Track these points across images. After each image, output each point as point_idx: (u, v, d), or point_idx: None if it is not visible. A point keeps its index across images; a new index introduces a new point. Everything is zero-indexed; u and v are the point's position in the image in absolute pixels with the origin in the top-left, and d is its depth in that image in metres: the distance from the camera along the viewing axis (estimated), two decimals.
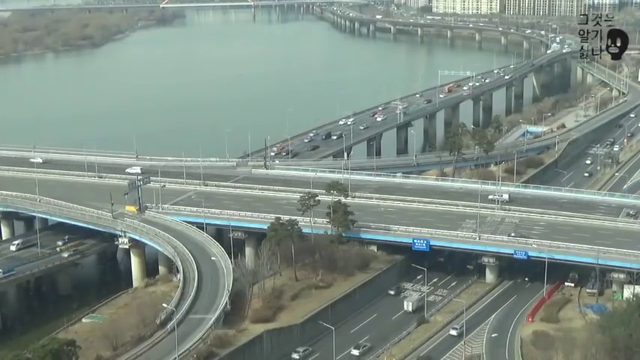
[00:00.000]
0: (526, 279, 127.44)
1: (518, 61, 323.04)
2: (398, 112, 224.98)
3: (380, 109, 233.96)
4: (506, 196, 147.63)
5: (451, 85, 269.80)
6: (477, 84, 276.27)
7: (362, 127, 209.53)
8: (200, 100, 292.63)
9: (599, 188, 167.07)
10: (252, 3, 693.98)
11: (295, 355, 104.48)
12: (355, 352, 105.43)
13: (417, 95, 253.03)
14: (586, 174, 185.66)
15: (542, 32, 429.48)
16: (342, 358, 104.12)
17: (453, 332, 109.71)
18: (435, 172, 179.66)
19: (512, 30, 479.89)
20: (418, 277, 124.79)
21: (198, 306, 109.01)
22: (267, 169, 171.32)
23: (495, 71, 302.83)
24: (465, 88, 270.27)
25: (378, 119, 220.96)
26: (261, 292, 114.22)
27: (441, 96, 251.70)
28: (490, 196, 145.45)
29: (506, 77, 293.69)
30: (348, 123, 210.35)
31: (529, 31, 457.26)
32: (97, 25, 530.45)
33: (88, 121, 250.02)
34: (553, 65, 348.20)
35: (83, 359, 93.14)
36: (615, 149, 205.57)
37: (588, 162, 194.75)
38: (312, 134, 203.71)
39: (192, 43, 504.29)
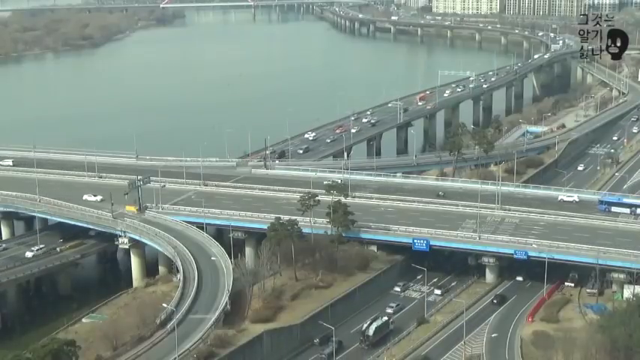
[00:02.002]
0: (519, 278, 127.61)
1: (499, 69, 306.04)
2: (365, 120, 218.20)
3: (353, 118, 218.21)
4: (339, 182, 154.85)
5: (424, 94, 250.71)
6: (460, 89, 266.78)
7: (329, 140, 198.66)
8: (200, 100, 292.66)
9: (599, 188, 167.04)
10: (252, 3, 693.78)
11: (397, 288, 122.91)
12: (438, 292, 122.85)
13: (390, 105, 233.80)
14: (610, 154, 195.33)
15: (552, 35, 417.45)
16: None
17: (519, 278, 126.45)
18: (435, 172, 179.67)
19: (526, 32, 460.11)
20: (418, 277, 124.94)
21: (198, 306, 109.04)
22: (267, 169, 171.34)
23: (471, 78, 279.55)
24: (445, 94, 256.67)
25: (353, 131, 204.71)
26: (261, 292, 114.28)
27: (420, 104, 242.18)
28: (325, 182, 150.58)
29: (485, 86, 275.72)
30: (310, 138, 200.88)
31: (541, 33, 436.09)
32: (97, 25, 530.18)
33: (88, 121, 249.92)
34: (553, 65, 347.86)
35: (83, 359, 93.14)
36: (635, 130, 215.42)
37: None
38: (269, 150, 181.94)
39: (192, 43, 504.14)
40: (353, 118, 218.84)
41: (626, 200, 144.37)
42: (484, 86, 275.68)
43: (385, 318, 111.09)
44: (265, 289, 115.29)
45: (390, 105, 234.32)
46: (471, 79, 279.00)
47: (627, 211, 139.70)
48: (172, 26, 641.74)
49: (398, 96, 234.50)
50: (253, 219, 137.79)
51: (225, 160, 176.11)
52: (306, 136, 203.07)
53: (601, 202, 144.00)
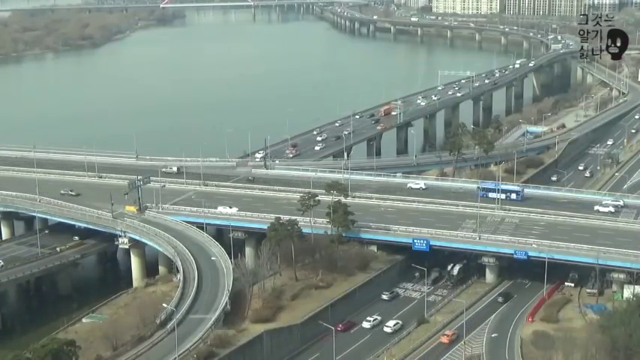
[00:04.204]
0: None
1: (471, 77, 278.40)
2: (320, 139, 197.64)
3: (315, 132, 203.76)
4: (174, 169, 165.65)
5: (388, 107, 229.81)
6: (435, 97, 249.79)
7: (290, 156, 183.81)
8: (200, 100, 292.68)
9: (599, 188, 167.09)
10: (252, 3, 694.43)
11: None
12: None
13: (357, 116, 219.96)
14: None
15: (559, 37, 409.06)
16: None
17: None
18: (435, 172, 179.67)
19: (539, 36, 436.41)
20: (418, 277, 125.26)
21: (198, 306, 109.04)
22: (267, 169, 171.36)
23: (440, 88, 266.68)
24: (419, 102, 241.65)
25: (317, 148, 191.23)
26: (261, 292, 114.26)
27: (373, 122, 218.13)
28: (164, 170, 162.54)
29: (459, 94, 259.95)
30: (258, 159, 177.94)
31: (552, 36, 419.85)
32: (97, 25, 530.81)
33: (88, 121, 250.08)
34: (553, 65, 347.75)
35: (83, 359, 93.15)
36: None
37: None
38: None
39: (192, 43, 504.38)
40: (315, 132, 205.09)
41: (501, 187, 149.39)
42: (458, 94, 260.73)
43: (465, 261, 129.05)
44: (265, 289, 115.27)
45: (357, 117, 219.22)
46: (439, 88, 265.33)
47: (503, 196, 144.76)
48: (172, 26, 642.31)
49: (398, 96, 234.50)
50: (253, 219, 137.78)
51: (225, 160, 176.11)
52: (257, 155, 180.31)
53: (479, 188, 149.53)
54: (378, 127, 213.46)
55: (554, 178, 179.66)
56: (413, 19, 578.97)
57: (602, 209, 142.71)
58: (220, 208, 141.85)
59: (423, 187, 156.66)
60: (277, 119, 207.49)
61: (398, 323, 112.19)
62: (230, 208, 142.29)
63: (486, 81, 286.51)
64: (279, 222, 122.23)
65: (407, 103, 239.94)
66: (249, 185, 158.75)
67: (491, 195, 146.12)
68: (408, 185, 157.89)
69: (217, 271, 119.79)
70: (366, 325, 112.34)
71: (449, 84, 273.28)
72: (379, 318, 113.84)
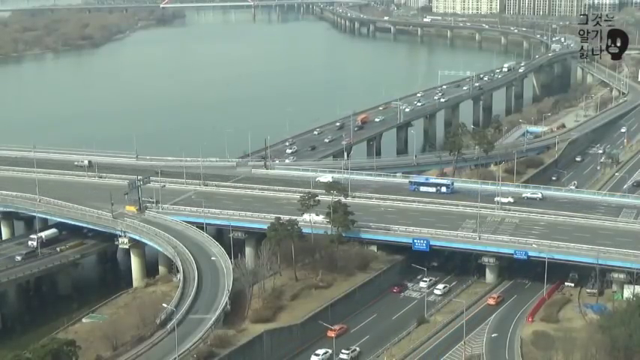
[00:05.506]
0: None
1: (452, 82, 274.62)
2: (290, 151, 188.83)
3: (288, 144, 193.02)
4: (86, 162, 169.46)
5: (365, 115, 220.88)
6: (420, 104, 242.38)
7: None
8: (200, 100, 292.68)
9: (599, 188, 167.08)
10: (252, 3, 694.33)
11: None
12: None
13: (338, 124, 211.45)
14: None
15: (562, 38, 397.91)
16: None
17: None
18: (435, 172, 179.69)
19: (544, 37, 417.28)
20: (418, 277, 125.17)
21: (198, 306, 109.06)
22: (267, 169, 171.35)
23: (420, 94, 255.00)
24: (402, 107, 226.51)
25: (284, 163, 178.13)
26: (261, 292, 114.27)
27: (356, 129, 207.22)
28: (76, 163, 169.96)
29: (443, 100, 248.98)
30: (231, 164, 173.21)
31: (556, 37, 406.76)
32: (97, 25, 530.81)
33: (88, 121, 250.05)
34: (553, 65, 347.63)
35: (83, 359, 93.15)
36: None
37: None
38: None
39: (192, 43, 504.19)
40: (287, 143, 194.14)
41: (431, 180, 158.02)
42: (442, 100, 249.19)
43: None
44: (265, 289, 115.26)
45: (315, 133, 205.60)
46: (419, 95, 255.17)
47: (433, 190, 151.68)
48: (172, 26, 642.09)
49: (398, 96, 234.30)
50: (253, 219, 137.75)
51: (225, 160, 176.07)
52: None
53: (410, 182, 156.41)
54: (343, 142, 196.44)
55: (578, 159, 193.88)
56: (426, 19, 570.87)
57: (503, 200, 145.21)
58: (305, 216, 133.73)
59: (330, 180, 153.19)
60: (277, 119, 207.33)
61: (447, 286, 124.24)
62: (317, 215, 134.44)
63: (476, 84, 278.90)
64: (279, 222, 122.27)
65: (389, 109, 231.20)
66: (249, 185, 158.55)
67: (422, 189, 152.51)
68: (317, 179, 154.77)
69: (217, 271, 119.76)
70: (422, 285, 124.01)
71: (428, 90, 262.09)
72: (434, 278, 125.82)
